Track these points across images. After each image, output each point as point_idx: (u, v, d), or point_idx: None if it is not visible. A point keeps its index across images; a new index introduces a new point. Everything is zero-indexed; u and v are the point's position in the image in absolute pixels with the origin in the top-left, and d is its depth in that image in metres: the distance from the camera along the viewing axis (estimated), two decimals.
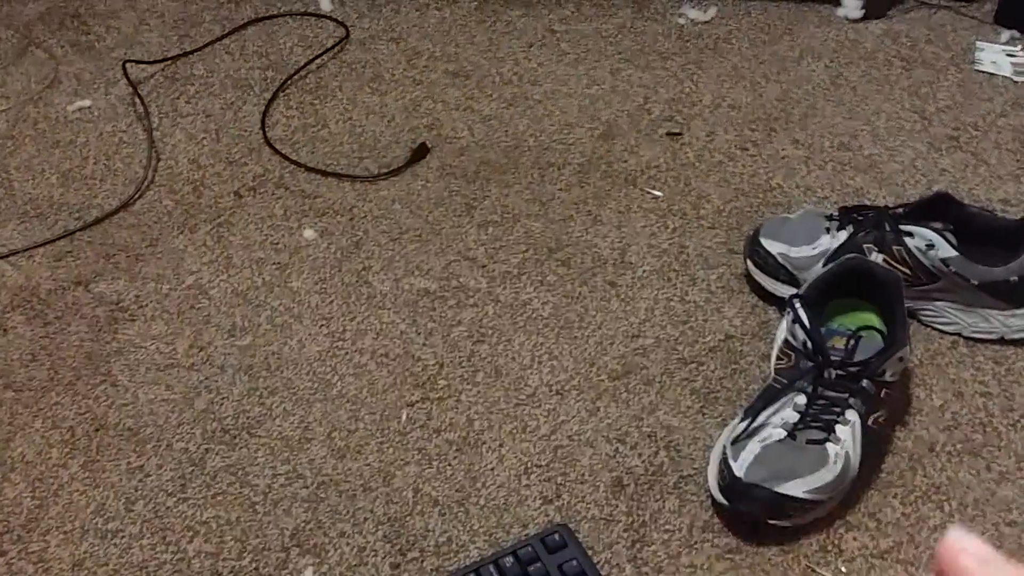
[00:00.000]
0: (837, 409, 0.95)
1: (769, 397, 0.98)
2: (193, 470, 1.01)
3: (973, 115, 1.44)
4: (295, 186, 1.34)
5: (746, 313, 1.16)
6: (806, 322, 0.98)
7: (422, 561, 0.93)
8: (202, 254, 1.24)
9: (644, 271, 1.21)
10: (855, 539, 0.94)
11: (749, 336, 1.13)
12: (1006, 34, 1.59)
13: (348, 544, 0.95)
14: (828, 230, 1.14)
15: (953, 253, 1.07)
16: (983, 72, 1.52)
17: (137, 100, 1.47)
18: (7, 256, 1.24)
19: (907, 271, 1.09)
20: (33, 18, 1.65)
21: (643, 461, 1.01)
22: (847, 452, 0.93)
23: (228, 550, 0.95)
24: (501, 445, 1.03)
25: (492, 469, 1.01)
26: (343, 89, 1.50)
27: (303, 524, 0.96)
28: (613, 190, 1.32)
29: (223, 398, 1.08)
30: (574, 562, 0.89)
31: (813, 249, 1.13)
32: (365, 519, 0.97)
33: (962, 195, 1.29)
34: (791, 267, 1.13)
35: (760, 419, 0.96)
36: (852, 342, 0.98)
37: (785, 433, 0.94)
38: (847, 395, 0.95)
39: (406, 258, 1.23)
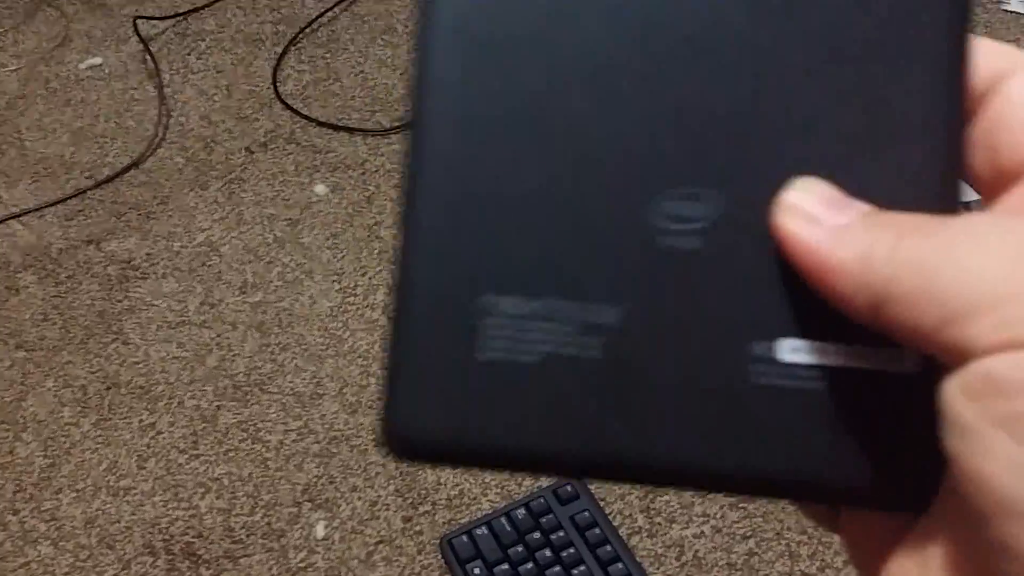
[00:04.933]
0: None
1: None
2: (205, 427, 1.01)
3: None
4: (306, 141, 1.32)
5: None
6: None
7: (434, 514, 0.93)
8: (213, 211, 1.23)
9: None
10: None
11: None
12: None
13: (360, 498, 0.94)
14: None
15: (976, 196, 1.04)
16: (1011, 12, 1.47)
17: (148, 57, 1.46)
18: (18, 215, 1.23)
19: None
20: None
21: None
22: None
23: (240, 506, 0.94)
24: None
25: None
26: (355, 42, 1.48)
27: (315, 479, 0.96)
28: None
29: (235, 355, 1.07)
30: (586, 513, 0.88)
31: None
32: (377, 473, 0.96)
33: None
34: None
35: None
36: None
37: None
38: None
39: None
